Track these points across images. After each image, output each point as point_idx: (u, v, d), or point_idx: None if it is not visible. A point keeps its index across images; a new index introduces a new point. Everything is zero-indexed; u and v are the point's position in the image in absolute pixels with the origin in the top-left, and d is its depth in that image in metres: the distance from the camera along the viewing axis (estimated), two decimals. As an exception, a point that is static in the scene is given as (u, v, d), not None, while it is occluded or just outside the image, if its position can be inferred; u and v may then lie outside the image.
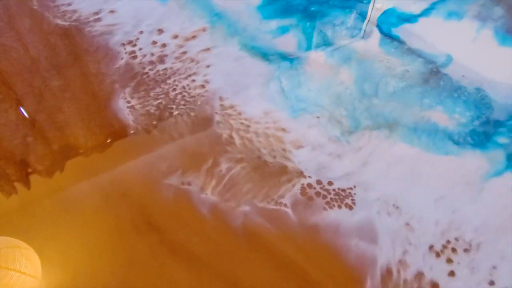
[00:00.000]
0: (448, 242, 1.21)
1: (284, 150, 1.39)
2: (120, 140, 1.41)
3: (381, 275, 1.16)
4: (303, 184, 1.32)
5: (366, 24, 1.73)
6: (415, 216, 1.26)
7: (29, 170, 1.32)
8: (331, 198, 1.29)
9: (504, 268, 1.17)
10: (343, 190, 1.31)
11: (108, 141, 1.39)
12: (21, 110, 1.44)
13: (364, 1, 1.81)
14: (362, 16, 1.77)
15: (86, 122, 1.41)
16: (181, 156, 1.37)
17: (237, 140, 1.41)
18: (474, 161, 1.38)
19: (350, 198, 1.29)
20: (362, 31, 1.70)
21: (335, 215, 1.26)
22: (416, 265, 1.17)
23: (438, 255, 1.19)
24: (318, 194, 1.30)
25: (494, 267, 1.17)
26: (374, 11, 1.76)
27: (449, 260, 1.18)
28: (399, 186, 1.32)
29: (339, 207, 1.27)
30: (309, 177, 1.33)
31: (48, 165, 1.33)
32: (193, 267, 1.17)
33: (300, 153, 1.39)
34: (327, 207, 1.27)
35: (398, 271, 1.16)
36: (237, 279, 1.15)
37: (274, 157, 1.37)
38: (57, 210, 1.24)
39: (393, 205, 1.28)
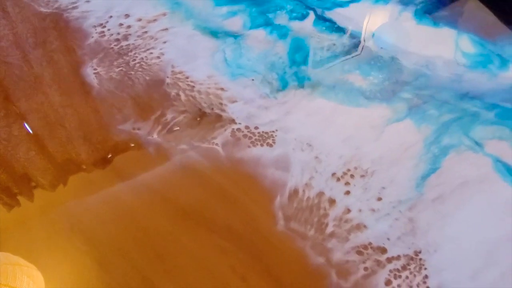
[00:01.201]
0: (348, 170, 1.48)
1: (221, 104, 1.68)
2: (122, 155, 1.50)
3: (289, 194, 1.42)
4: (233, 129, 1.59)
5: (363, 40, 1.90)
6: (324, 151, 1.53)
7: (33, 184, 1.36)
8: (255, 139, 1.56)
9: (391, 188, 1.43)
10: (266, 133, 1.58)
11: (109, 156, 1.47)
12: (25, 126, 1.53)
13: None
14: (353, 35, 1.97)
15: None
16: (134, 108, 1.66)
17: (183, 97, 1.70)
18: (380, 111, 1.66)
19: (271, 138, 1.56)
20: (360, 47, 1.86)
21: (257, 151, 1.53)
22: (319, 187, 1.43)
23: (338, 179, 1.45)
24: (245, 136, 1.57)
25: (383, 188, 1.43)
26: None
27: (347, 183, 1.44)
28: (314, 130, 1.59)
29: (261, 145, 1.55)
30: (239, 123, 1.61)
31: (51, 179, 1.38)
32: (137, 190, 1.44)
33: (234, 106, 1.67)
34: (251, 145, 1.55)
35: (303, 191, 1.42)
36: (172, 198, 1.42)
37: (212, 109, 1.66)
38: (60, 226, 1.23)
39: (307, 143, 1.55)
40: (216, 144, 1.55)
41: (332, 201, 1.40)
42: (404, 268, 1.25)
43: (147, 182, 1.46)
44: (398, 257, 1.28)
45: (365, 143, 1.56)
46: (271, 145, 1.55)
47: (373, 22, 2.03)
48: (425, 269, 1.25)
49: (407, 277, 1.24)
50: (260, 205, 1.40)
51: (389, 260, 1.27)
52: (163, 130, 1.59)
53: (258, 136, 1.57)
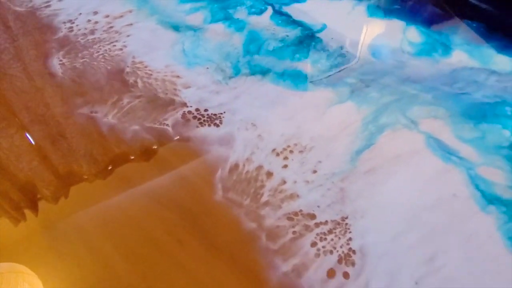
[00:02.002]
0: (288, 146, 1.57)
1: (175, 89, 1.79)
2: (122, 166, 1.52)
3: (230, 167, 1.52)
4: (184, 111, 1.70)
5: (360, 49, 1.93)
6: (267, 130, 1.63)
7: (38, 196, 1.38)
8: (204, 120, 1.67)
9: (327, 162, 1.52)
10: (215, 115, 1.69)
11: (110, 168, 1.49)
12: (27, 136, 1.55)
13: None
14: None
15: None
16: (93, 94, 1.78)
17: (140, 84, 1.81)
18: (325, 94, 1.76)
19: (219, 119, 1.67)
20: (358, 56, 1.88)
21: (204, 131, 1.63)
22: (258, 161, 1.53)
23: (277, 154, 1.55)
24: (194, 117, 1.68)
25: (319, 162, 1.52)
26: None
27: (285, 158, 1.54)
28: (259, 112, 1.69)
29: (209, 125, 1.65)
30: (190, 106, 1.72)
31: (53, 191, 1.40)
32: (93, 164, 1.54)
33: (187, 91, 1.78)
34: (199, 125, 1.65)
35: (244, 165, 1.52)
36: (125, 173, 1.52)
37: (166, 94, 1.77)
38: (63, 238, 1.25)
39: (252, 123, 1.65)
40: (167, 125, 1.66)
41: (269, 174, 1.49)
42: (330, 231, 1.34)
43: (98, 157, 1.57)
44: (325, 222, 1.36)
45: (306, 122, 1.66)
46: (218, 125, 1.65)
47: (326, 15, 2.15)
48: (350, 232, 1.34)
49: (332, 240, 1.32)
50: (202, 178, 1.49)
51: (317, 225, 1.36)
52: (118, 113, 1.70)
53: (207, 117, 1.68)
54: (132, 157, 1.56)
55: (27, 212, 1.34)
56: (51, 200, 1.36)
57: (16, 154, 1.54)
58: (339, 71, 1.86)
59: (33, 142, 1.54)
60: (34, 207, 1.35)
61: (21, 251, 1.21)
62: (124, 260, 1.21)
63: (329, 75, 1.80)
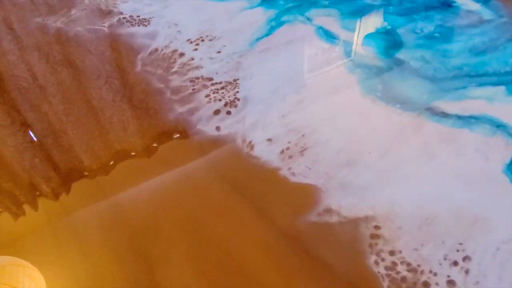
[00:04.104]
0: (201, 37, 1.91)
1: (115, 3, 2.14)
2: (124, 162, 1.45)
3: (150, 51, 1.85)
4: (120, 18, 2.05)
5: (355, 46, 1.91)
6: (186, 27, 1.96)
7: (37, 192, 1.36)
8: (135, 22, 2.01)
9: (230, 46, 1.85)
10: (145, 19, 2.03)
11: (111, 163, 1.44)
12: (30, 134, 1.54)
13: None
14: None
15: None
16: (45, 7, 2.13)
17: (86, 1, 2.17)
18: (239, 4, 2.10)
19: (147, 22, 2.01)
20: (353, 53, 1.85)
21: (134, 29, 1.97)
22: (174, 47, 1.86)
23: (191, 42, 1.88)
24: (127, 21, 2.03)
25: (224, 46, 1.85)
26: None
27: (197, 44, 1.87)
28: (183, 16, 2.03)
29: (138, 25, 1.99)
30: (125, 14, 2.06)
31: (54, 187, 1.38)
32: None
33: (125, 5, 2.13)
34: (130, 26, 1.99)
35: (161, 50, 1.85)
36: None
37: (107, 7, 2.12)
38: (64, 233, 1.25)
39: (174, 23, 1.99)
40: (104, 26, 2.00)
41: (181, 54, 1.83)
42: (222, 88, 1.67)
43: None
44: (220, 83, 1.69)
45: (219, 22, 2.00)
46: (146, 25, 1.99)
47: None
48: (238, 88, 1.66)
49: (223, 93, 1.65)
50: (127, 58, 1.83)
51: (213, 84, 1.69)
52: (65, 20, 2.05)
53: (138, 21, 2.02)
54: (71, 46, 1.89)
55: (27, 207, 1.33)
56: (52, 196, 1.35)
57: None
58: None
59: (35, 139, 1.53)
60: (35, 203, 1.34)
61: (23, 245, 1.22)
62: (126, 255, 1.18)
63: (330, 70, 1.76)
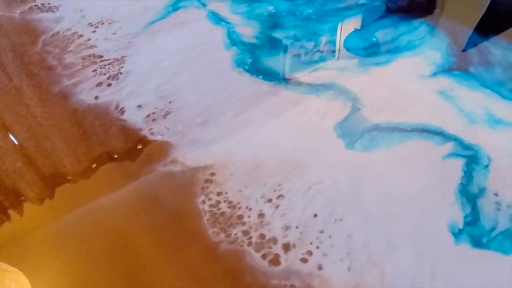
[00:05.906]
0: (102, 21, 2.09)
1: (30, -7, 2.31)
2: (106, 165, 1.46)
3: (52, 34, 2.03)
4: (31, 5, 2.22)
5: (339, 47, 1.91)
6: (89, 13, 2.14)
7: (22, 198, 1.36)
8: (44, 9, 2.19)
9: (125, 28, 2.04)
10: (54, 6, 2.20)
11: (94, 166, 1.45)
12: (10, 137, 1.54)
13: None
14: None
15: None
16: None
17: (4, -9, 2.33)
18: (145, -8, 2.28)
19: (56, 8, 2.18)
20: (337, 53, 1.87)
21: (42, 15, 2.15)
22: (75, 30, 2.04)
23: (91, 25, 2.06)
24: (38, 8, 2.20)
25: (120, 28, 2.03)
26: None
27: (96, 27, 2.05)
28: (88, 4, 2.21)
29: (47, 12, 2.17)
30: (38, 2, 2.24)
31: (38, 192, 1.39)
32: None
33: (39, -7, 2.30)
34: (39, 12, 2.17)
35: (63, 32, 2.03)
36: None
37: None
38: (50, 238, 1.25)
39: (80, 10, 2.17)
40: (15, 13, 2.17)
41: (80, 36, 2.01)
42: (110, 64, 1.85)
43: None
44: (108, 59, 1.87)
45: (121, 8, 2.18)
46: (54, 12, 2.17)
47: None
48: (124, 63, 1.84)
49: (109, 68, 1.83)
50: (29, 39, 2.00)
51: (102, 61, 1.87)
52: None
53: (47, 8, 2.20)
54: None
55: (12, 212, 1.33)
56: (36, 201, 1.36)
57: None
58: (317, 68, 1.80)
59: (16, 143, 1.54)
60: (20, 208, 1.34)
61: (7, 251, 1.21)
62: (111, 260, 1.20)
63: (309, 71, 1.78)
